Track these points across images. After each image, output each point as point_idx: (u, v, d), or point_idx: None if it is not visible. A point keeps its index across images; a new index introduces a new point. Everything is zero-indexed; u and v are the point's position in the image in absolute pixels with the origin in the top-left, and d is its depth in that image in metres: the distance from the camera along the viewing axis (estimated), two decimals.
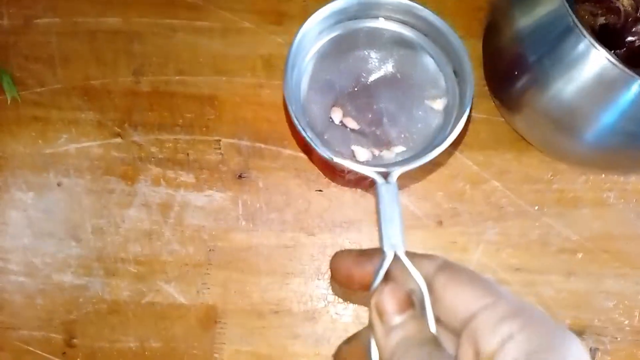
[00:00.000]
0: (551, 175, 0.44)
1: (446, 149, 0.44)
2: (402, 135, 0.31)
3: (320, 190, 0.45)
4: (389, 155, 0.30)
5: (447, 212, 0.44)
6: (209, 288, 0.43)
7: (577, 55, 0.33)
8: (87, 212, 0.45)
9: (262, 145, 0.46)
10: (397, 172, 0.26)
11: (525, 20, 0.37)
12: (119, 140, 0.46)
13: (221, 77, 0.47)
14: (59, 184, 0.46)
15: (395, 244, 0.23)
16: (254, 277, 0.43)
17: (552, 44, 0.34)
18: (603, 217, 0.44)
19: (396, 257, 0.23)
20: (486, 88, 0.46)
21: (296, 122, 0.28)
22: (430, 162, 0.28)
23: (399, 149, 0.30)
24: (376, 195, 0.25)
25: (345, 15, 0.30)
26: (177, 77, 0.47)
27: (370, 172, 0.27)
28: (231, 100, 0.46)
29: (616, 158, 0.39)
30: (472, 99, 0.28)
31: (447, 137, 0.28)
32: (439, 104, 0.31)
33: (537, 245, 0.43)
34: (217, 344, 0.42)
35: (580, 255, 0.43)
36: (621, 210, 0.44)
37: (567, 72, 0.33)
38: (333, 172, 0.43)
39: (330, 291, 0.43)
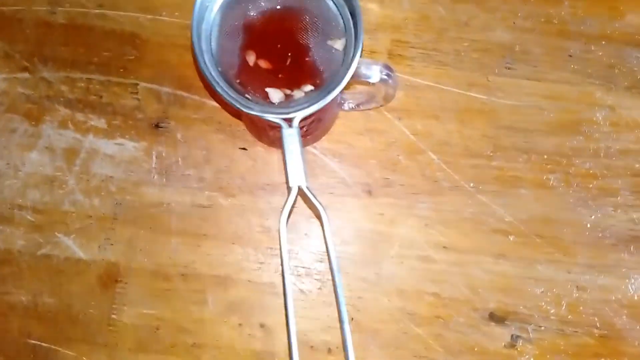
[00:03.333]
0: (491, 152, 0.41)
1: (376, 110, 0.41)
2: (310, 74, 0.32)
3: (244, 149, 0.41)
4: (299, 94, 0.32)
5: (378, 181, 0.41)
6: (112, 244, 0.40)
7: None
8: None
9: (184, 94, 0.42)
10: (298, 117, 0.29)
11: None
12: (26, 75, 0.42)
13: (146, 14, 0.42)
14: None
15: (299, 180, 0.28)
16: (163, 237, 0.40)
17: None
18: (541, 200, 0.41)
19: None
20: (434, 52, 0.42)
21: (206, 73, 0.29)
22: (326, 106, 0.29)
23: (308, 87, 0.32)
24: (281, 139, 0.29)
25: None
26: (96, 10, 0.42)
27: (274, 118, 0.29)
28: (154, 41, 0.42)
29: None
30: (363, 41, 0.30)
31: (339, 83, 0.29)
32: (339, 44, 0.31)
33: (469, 224, 0.41)
34: (116, 305, 0.39)
35: (512, 237, 0.41)
36: (561, 194, 0.41)
37: None
38: (258, 129, 0.40)
39: (243, 257, 0.40)
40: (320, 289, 0.40)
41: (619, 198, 0.41)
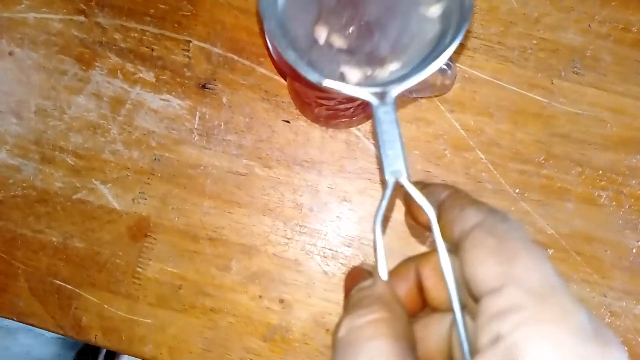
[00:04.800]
0: (543, 159, 0.39)
1: (433, 99, 0.39)
2: (396, 50, 0.26)
3: (287, 121, 0.41)
4: (382, 74, 0.26)
5: (419, 173, 0.40)
6: (146, 198, 0.40)
7: None
8: (34, 89, 0.41)
9: (235, 57, 0.41)
10: (394, 90, 0.23)
11: None
12: (82, 18, 0.41)
13: None
14: (10, 53, 0.42)
15: (397, 170, 0.21)
16: (196, 198, 0.40)
17: None
18: (587, 217, 0.39)
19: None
20: (498, 46, 0.40)
21: (275, 40, 0.24)
22: (428, 78, 0.24)
23: (394, 66, 0.25)
24: (373, 119, 0.23)
25: None
26: None
27: (364, 93, 0.23)
28: None
29: None
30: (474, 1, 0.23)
31: (448, 47, 0.23)
32: (434, 11, 0.25)
33: None
34: (143, 258, 0.39)
35: (551, 251, 0.39)
36: (610, 213, 0.39)
37: None
38: (304, 102, 0.39)
39: (272, 230, 0.40)
40: (344, 273, 0.39)
41: None
